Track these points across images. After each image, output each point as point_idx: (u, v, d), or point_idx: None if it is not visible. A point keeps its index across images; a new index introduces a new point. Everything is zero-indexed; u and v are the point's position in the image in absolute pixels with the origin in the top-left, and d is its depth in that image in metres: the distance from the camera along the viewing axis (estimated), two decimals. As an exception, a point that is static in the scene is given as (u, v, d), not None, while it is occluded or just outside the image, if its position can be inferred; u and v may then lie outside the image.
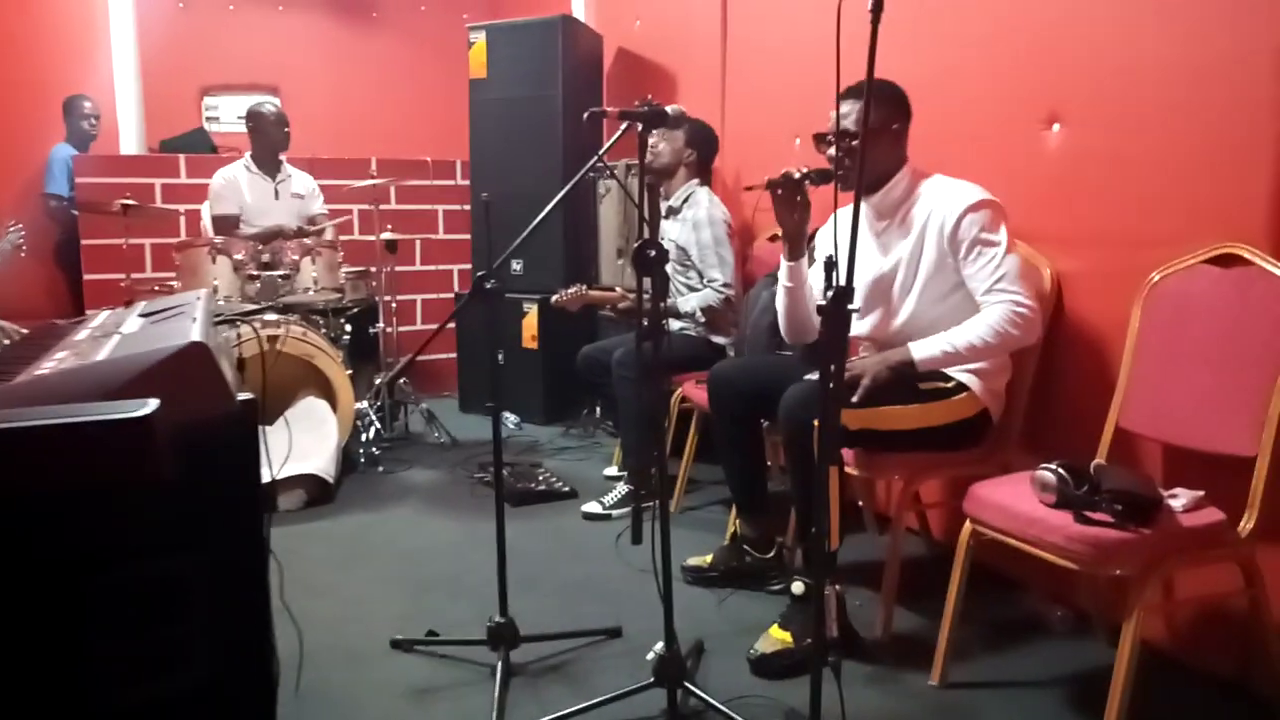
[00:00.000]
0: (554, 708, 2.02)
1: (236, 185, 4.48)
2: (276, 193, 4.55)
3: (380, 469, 3.96)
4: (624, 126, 1.96)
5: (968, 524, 2.13)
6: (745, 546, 2.72)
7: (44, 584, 1.18)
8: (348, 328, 4.45)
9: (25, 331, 1.93)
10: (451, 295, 5.49)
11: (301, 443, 3.63)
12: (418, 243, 5.56)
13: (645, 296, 1.94)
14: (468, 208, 5.46)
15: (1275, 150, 2.00)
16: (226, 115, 6.71)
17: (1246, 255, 2.01)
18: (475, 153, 4.84)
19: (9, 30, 4.92)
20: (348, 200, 5.00)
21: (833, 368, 1.63)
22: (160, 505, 1.45)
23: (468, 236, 5.32)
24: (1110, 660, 1.85)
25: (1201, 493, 1.95)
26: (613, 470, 3.88)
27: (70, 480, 1.10)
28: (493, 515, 2.26)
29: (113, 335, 1.57)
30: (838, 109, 2.27)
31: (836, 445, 1.68)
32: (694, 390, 3.26)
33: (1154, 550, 1.84)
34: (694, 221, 3.50)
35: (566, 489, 3.61)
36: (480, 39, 4.73)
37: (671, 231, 3.59)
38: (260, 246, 3.94)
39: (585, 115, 1.91)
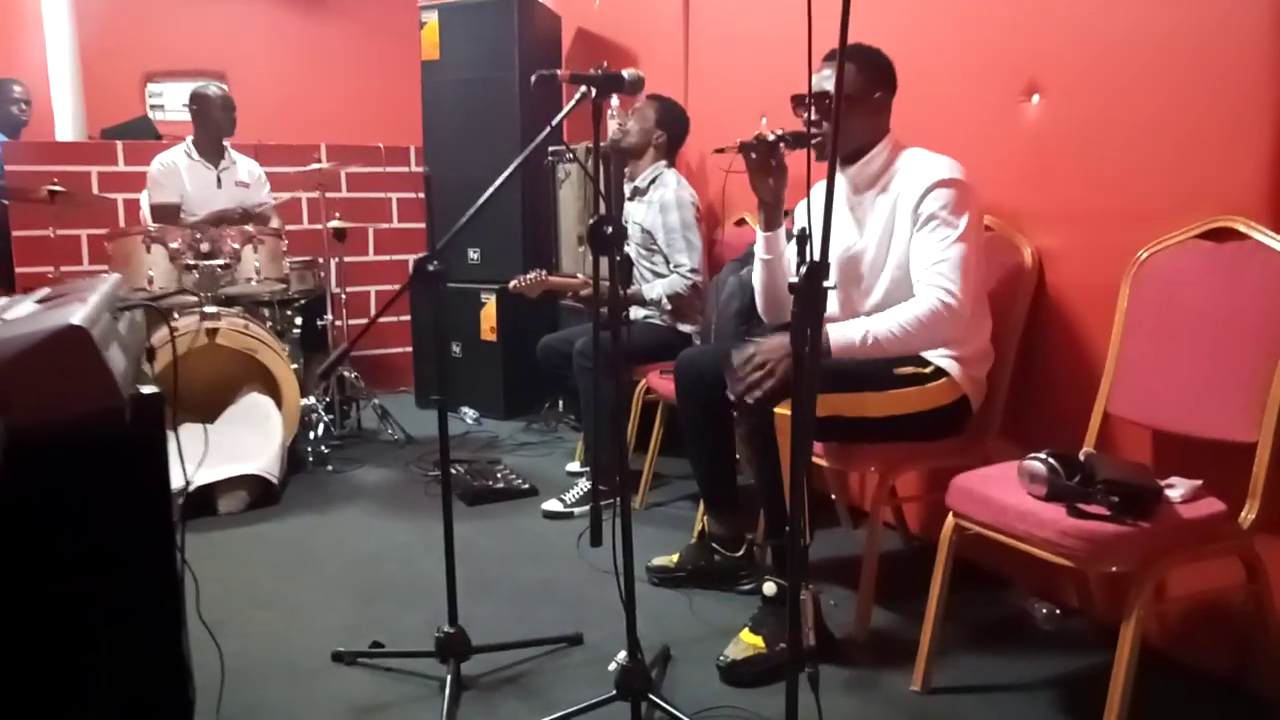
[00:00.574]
0: (508, 725, 1.86)
1: (176, 172, 4.24)
2: (219, 180, 4.32)
3: (329, 468, 3.77)
4: (579, 94, 1.81)
5: (950, 518, 1.99)
6: (714, 545, 2.57)
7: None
8: (297, 320, 4.24)
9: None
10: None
11: (243, 441, 3.43)
12: (370, 232, 5.34)
13: (603, 279, 1.79)
14: (423, 195, 5.26)
15: (1272, 116, 1.88)
16: (172, 103, 6.41)
17: (1242, 229, 1.89)
18: (429, 137, 4.64)
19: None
20: (294, 187, 4.78)
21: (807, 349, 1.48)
22: (40, 519, 1.27)
23: (423, 225, 5.12)
24: (1101, 659, 1.73)
25: (1199, 482, 1.83)
26: (575, 466, 3.72)
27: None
28: (446, 516, 2.10)
29: (-10, 321, 1.37)
30: (817, 71, 2.12)
31: (808, 436, 1.53)
32: (659, 381, 3.10)
33: (1154, 544, 1.71)
34: (661, 203, 3.34)
35: (526, 486, 3.45)
36: (433, 19, 4.53)
37: (636, 214, 3.43)
38: (199, 235, 3.72)
39: (533, 78, 1.74)
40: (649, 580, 2.58)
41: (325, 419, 4.03)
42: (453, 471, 3.44)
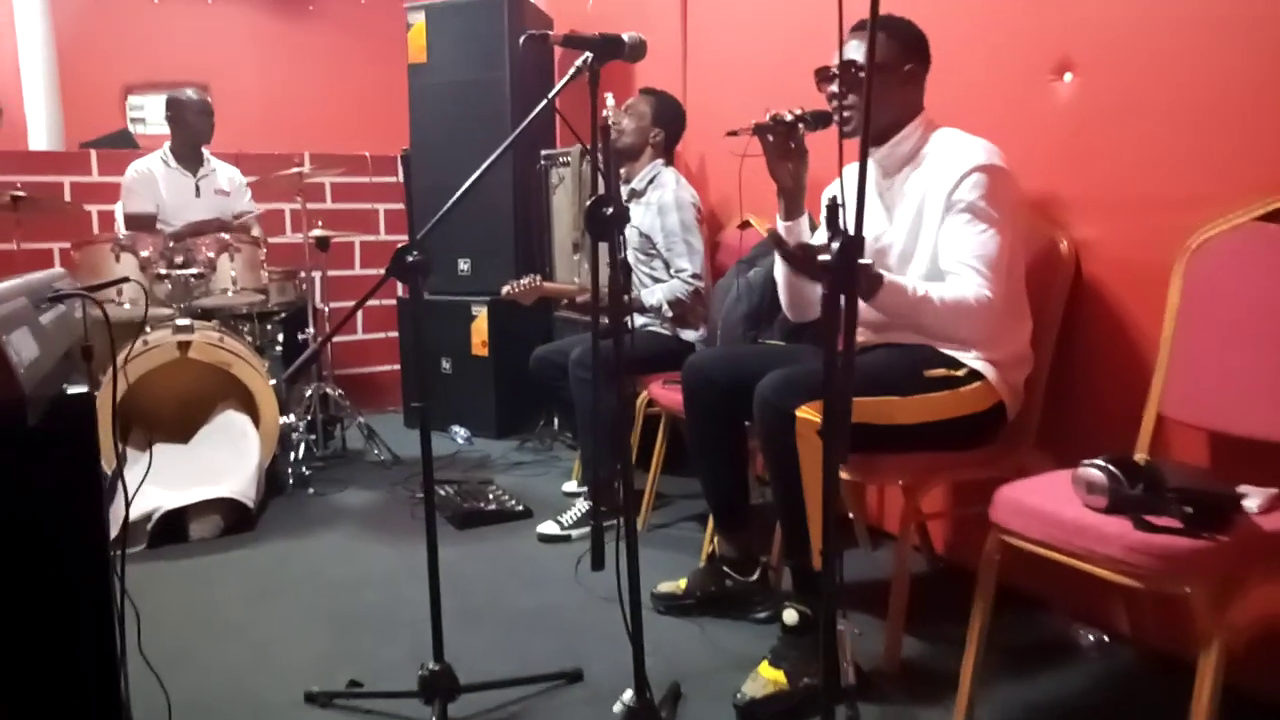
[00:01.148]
0: (499, 776, 1.64)
1: (152, 179, 4.06)
2: (198, 189, 4.13)
3: (310, 491, 3.53)
4: (577, 64, 1.62)
5: (993, 535, 1.78)
6: (725, 568, 2.35)
7: None
8: (279, 335, 4.03)
9: None
10: (394, 302, 5.08)
11: (217, 462, 3.21)
12: (356, 244, 5.14)
13: (603, 268, 1.59)
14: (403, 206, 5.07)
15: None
16: (153, 116, 6.23)
17: (1311, 208, 1.69)
18: (416, 141, 4.44)
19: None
20: (276, 197, 4.59)
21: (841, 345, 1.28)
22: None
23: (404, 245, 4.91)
24: (1159, 692, 1.52)
25: (1275, 490, 1.62)
26: (572, 486, 3.51)
27: None
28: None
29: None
30: (844, 44, 1.92)
31: (844, 443, 1.32)
32: (662, 392, 2.89)
33: (1234, 560, 1.50)
34: (660, 205, 3.14)
35: (520, 508, 3.22)
36: (419, 20, 4.35)
37: (634, 217, 3.24)
38: (173, 244, 3.52)
39: (522, 39, 1.55)
40: (654, 608, 2.36)
41: (307, 439, 3.81)
42: (441, 493, 3.25)
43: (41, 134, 5.21)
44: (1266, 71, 1.80)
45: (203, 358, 3.27)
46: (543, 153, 4.11)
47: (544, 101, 1.62)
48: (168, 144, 4.12)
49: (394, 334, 5.06)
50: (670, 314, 3.12)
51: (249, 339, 3.77)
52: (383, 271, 1.75)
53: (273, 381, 3.45)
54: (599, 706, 1.88)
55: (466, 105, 4.26)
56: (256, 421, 3.36)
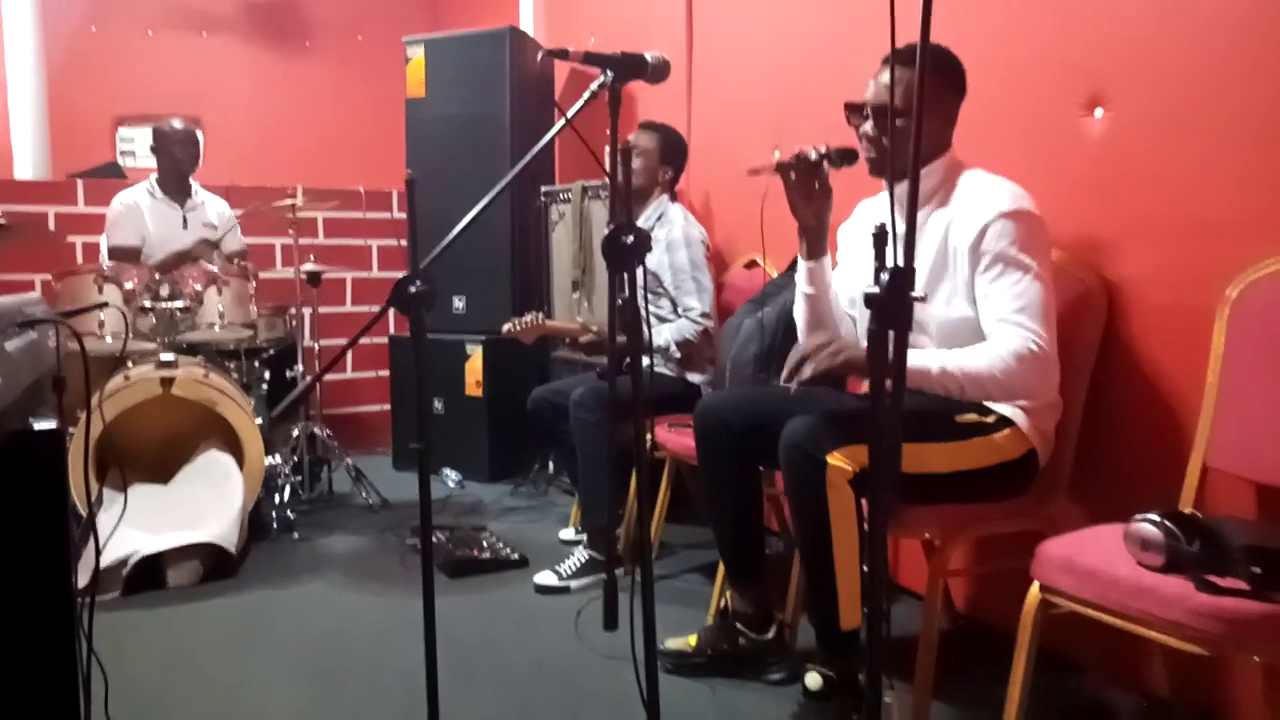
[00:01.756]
0: None
1: (137, 212, 3.94)
2: (185, 221, 4.02)
3: (295, 536, 3.37)
4: (594, 85, 1.52)
5: (1034, 592, 1.65)
6: (738, 624, 2.21)
7: None
8: (265, 373, 3.89)
9: None
10: (386, 339, 4.94)
11: (199, 505, 3.06)
12: (349, 281, 5.02)
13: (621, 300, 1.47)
14: (405, 243, 4.96)
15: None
16: (143, 148, 6.10)
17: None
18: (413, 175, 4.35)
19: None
20: (267, 231, 4.47)
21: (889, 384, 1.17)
22: None
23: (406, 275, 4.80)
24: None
25: (1342, 549, 1.50)
26: (570, 533, 3.36)
27: None
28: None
29: None
30: (874, 78, 1.84)
31: (896, 494, 1.21)
32: (668, 436, 2.76)
33: (1310, 627, 1.38)
34: (668, 242, 3.04)
35: (515, 556, 3.07)
36: (419, 54, 4.28)
37: (639, 255, 3.13)
38: (158, 276, 3.40)
39: (539, 55, 1.45)
40: (662, 666, 2.21)
41: (293, 481, 3.65)
42: (433, 539, 3.10)
43: (28, 164, 5.09)
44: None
45: (187, 394, 3.13)
46: (542, 189, 4.02)
47: (562, 121, 1.52)
48: (154, 175, 4.01)
49: (384, 373, 4.92)
50: (678, 355, 3.00)
51: (235, 376, 3.63)
52: (376, 309, 1.63)
53: (259, 421, 3.31)
54: (606, 777, 1.74)
55: (465, 139, 4.18)
56: (241, 462, 3.22)
